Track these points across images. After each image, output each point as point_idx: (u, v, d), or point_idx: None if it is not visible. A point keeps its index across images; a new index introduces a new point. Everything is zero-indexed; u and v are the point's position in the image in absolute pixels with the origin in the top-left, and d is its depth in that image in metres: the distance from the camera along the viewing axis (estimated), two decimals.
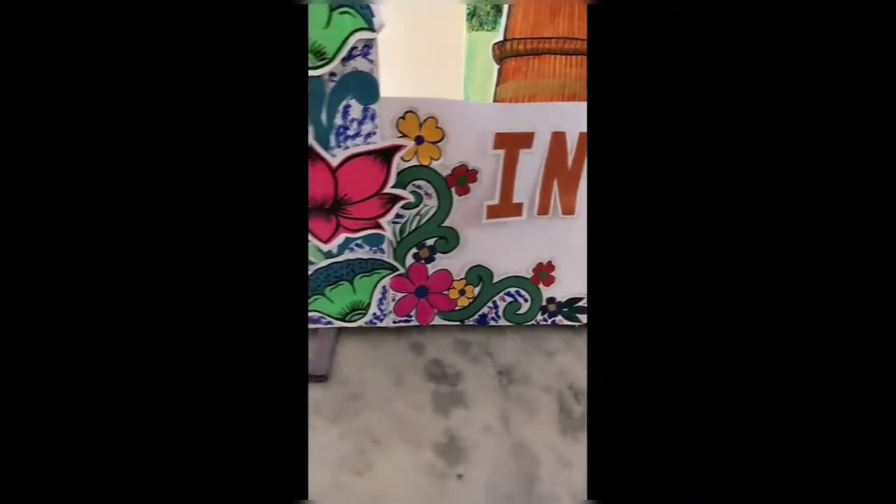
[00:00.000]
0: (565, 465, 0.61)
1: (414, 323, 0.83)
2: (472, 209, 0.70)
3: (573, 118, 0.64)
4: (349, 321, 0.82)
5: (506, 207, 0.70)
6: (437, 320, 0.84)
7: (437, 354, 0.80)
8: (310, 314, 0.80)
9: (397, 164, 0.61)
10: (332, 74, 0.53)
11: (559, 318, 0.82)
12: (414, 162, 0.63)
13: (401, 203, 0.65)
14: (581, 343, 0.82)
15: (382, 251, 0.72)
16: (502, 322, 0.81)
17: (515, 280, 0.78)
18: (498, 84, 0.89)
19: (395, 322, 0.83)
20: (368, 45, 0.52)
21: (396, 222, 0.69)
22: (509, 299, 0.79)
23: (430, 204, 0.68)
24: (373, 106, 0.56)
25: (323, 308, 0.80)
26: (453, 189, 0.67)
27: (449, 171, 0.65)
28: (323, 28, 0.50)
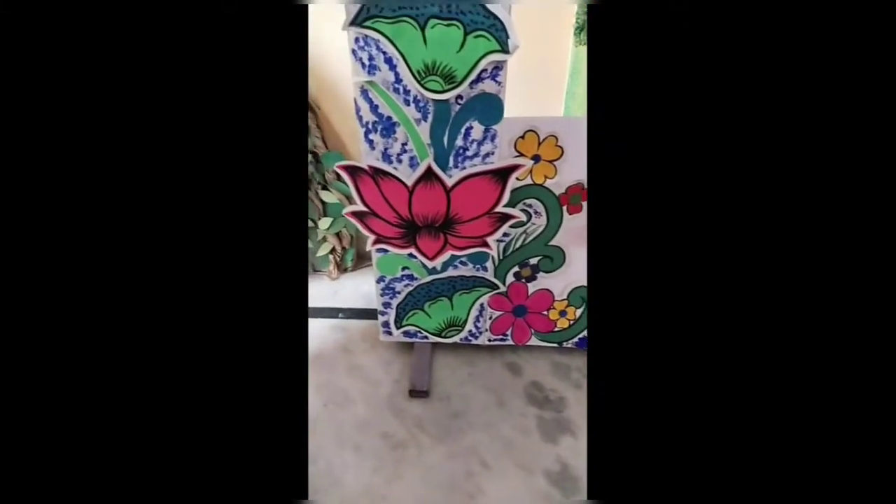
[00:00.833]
0: None
1: (509, 342, 0.82)
2: (582, 228, 0.68)
3: None
4: (445, 336, 0.82)
5: None
6: (534, 341, 0.82)
7: (536, 377, 0.77)
8: (407, 328, 0.82)
9: (512, 183, 0.61)
10: (459, 97, 0.54)
11: None
12: (528, 181, 0.62)
13: (511, 222, 0.64)
14: None
15: (485, 269, 0.71)
16: None
17: None
18: None
19: (490, 340, 0.82)
20: (498, 67, 0.52)
21: (501, 240, 0.68)
22: None
23: (539, 223, 0.67)
24: (494, 126, 0.56)
25: (420, 323, 0.81)
26: (565, 207, 0.65)
27: (563, 190, 0.63)
28: (456, 52, 0.51)
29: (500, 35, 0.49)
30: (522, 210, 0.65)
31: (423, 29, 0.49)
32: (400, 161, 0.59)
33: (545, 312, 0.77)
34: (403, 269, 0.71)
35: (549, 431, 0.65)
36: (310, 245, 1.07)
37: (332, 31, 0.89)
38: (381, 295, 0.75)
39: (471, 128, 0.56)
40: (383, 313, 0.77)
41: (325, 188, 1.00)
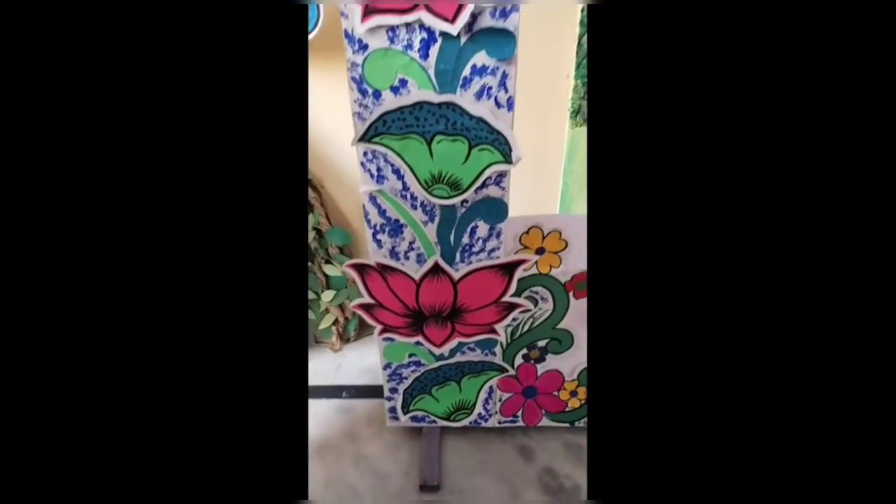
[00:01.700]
0: None
1: (520, 424, 0.81)
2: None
3: None
4: (454, 420, 0.80)
5: None
6: (545, 421, 0.80)
7: (549, 461, 0.75)
8: (414, 413, 0.80)
9: (518, 274, 0.62)
10: (465, 201, 0.55)
11: None
12: (533, 271, 0.63)
13: (518, 310, 0.65)
14: None
15: (494, 353, 0.71)
16: None
17: None
18: None
19: (500, 423, 0.80)
20: (502, 175, 0.54)
21: (509, 325, 0.68)
22: None
23: (546, 307, 0.67)
24: (499, 225, 0.58)
25: (428, 407, 0.79)
26: (571, 293, 0.66)
27: (568, 278, 0.64)
28: (461, 163, 0.53)
29: (503, 148, 0.51)
30: (529, 297, 0.65)
31: (429, 144, 0.51)
32: (407, 258, 0.60)
33: (555, 393, 0.76)
34: (410, 356, 0.70)
35: None
36: (313, 317, 1.06)
37: (334, 111, 0.91)
38: (388, 381, 0.74)
39: (476, 227, 0.58)
40: (390, 398, 0.76)
41: (328, 262, 1.01)
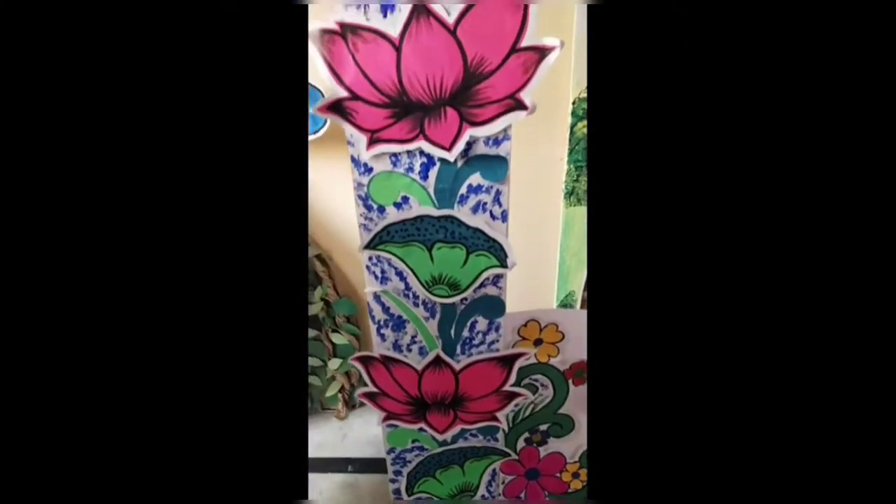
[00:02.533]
0: None
1: None
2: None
3: None
4: (458, 502, 0.80)
5: None
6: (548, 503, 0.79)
7: None
8: (418, 495, 0.80)
9: (518, 366, 0.63)
10: (464, 299, 0.58)
11: None
12: (532, 360, 0.64)
13: (518, 399, 0.66)
14: None
15: (496, 439, 0.72)
16: None
17: None
18: None
19: None
20: (499, 276, 0.57)
21: (511, 410, 0.69)
22: None
23: (546, 394, 0.68)
24: (498, 319, 0.60)
25: (432, 489, 0.78)
26: (570, 380, 0.67)
27: (567, 367, 0.65)
28: (460, 267, 0.56)
29: (499, 254, 0.54)
30: (529, 384, 0.66)
31: (430, 250, 0.54)
32: (410, 350, 0.62)
33: (558, 475, 0.75)
34: (413, 441, 0.71)
35: None
36: (319, 383, 1.08)
37: (343, 189, 0.95)
38: (392, 464, 0.74)
39: (476, 321, 0.60)
40: (394, 480, 0.76)
41: (335, 331, 1.03)
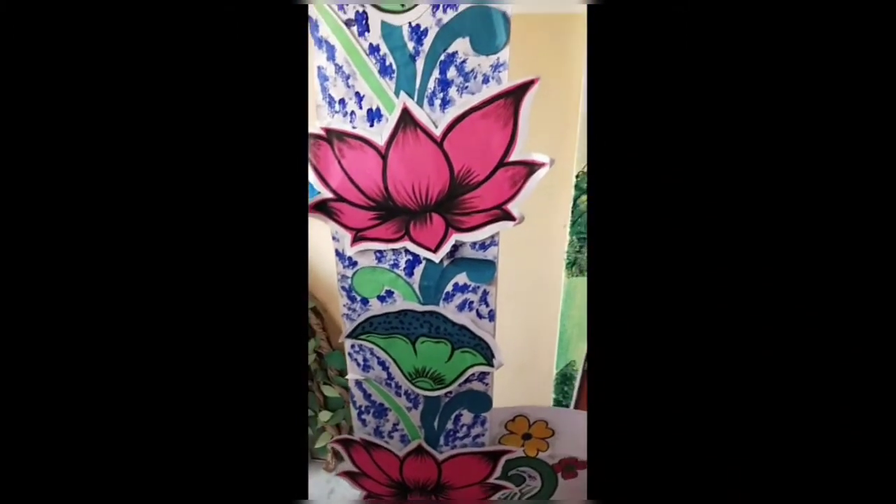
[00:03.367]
0: None
1: None
2: (579, 487, 0.66)
3: None
4: None
5: None
6: None
7: None
8: None
9: (504, 461, 0.61)
10: (449, 392, 0.56)
11: None
12: (520, 453, 0.62)
13: (504, 492, 0.63)
14: None
15: None
16: None
17: None
18: None
19: None
20: (485, 373, 0.55)
21: (497, 500, 0.66)
22: None
23: (534, 484, 0.65)
24: (484, 414, 0.58)
25: None
26: (559, 474, 0.64)
27: (556, 461, 0.62)
28: (444, 362, 0.54)
29: (485, 353, 0.52)
30: (516, 475, 0.64)
31: (413, 344, 0.53)
32: (392, 437, 0.60)
33: None
34: None
35: None
36: (309, 434, 1.06)
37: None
38: None
39: (461, 414, 0.58)
40: None
41: (327, 383, 1.02)
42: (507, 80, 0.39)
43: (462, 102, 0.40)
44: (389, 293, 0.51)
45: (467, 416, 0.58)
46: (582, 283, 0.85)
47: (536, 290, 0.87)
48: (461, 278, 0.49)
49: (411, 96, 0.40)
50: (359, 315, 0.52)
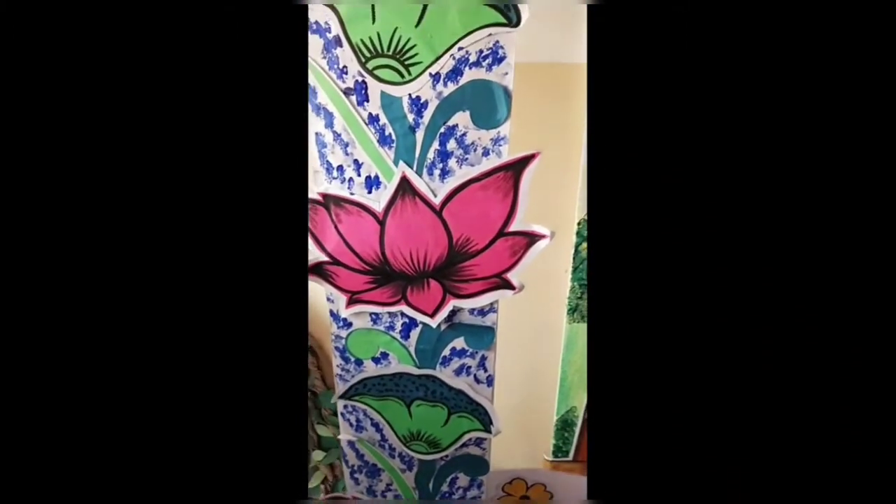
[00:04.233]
0: None
1: None
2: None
3: None
4: None
5: None
6: None
7: None
8: None
9: None
10: (445, 456, 0.54)
11: None
12: None
13: None
14: None
15: None
16: None
17: None
18: None
19: None
20: (482, 438, 0.53)
21: None
22: None
23: None
24: (481, 477, 0.56)
25: None
26: None
27: None
28: (440, 426, 0.52)
29: (482, 418, 0.50)
30: None
31: (408, 406, 0.51)
32: (385, 496, 0.58)
33: None
34: None
35: None
36: None
37: None
38: None
39: (456, 477, 0.56)
40: None
41: (320, 423, 1.00)
42: (508, 153, 0.39)
43: (462, 174, 0.39)
44: (384, 355, 0.49)
45: (463, 479, 0.56)
46: (583, 329, 0.84)
47: (538, 336, 0.85)
48: (459, 343, 0.48)
49: (410, 166, 0.39)
50: (352, 376, 0.51)
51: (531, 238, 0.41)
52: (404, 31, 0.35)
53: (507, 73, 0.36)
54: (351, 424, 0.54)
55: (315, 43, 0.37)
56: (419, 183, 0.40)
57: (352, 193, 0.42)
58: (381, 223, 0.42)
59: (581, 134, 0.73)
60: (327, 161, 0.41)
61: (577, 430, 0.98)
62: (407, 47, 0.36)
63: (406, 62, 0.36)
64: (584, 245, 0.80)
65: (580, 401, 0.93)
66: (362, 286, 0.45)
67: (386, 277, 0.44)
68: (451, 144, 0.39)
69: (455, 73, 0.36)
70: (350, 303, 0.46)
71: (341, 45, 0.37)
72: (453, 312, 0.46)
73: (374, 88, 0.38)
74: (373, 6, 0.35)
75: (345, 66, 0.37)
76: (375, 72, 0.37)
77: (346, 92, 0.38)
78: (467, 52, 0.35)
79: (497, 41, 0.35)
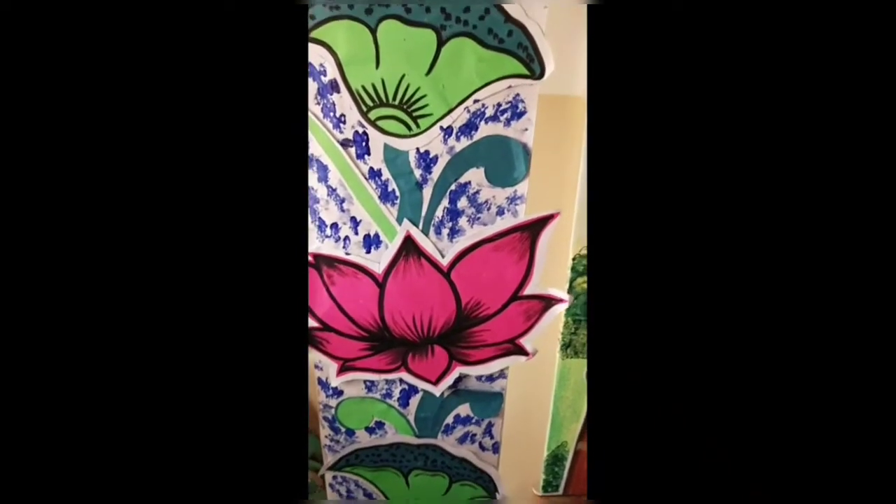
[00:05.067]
0: None
1: None
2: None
3: None
4: None
5: None
6: None
7: None
8: None
9: None
10: None
11: None
12: None
13: None
14: None
15: None
16: None
17: None
18: None
19: None
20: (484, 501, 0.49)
21: None
22: None
23: None
24: None
25: None
26: None
27: None
28: (441, 495, 0.48)
29: (487, 486, 0.46)
30: None
31: (406, 476, 0.46)
32: None
33: None
34: None
35: None
36: None
37: None
38: None
39: None
40: None
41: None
42: (525, 213, 0.35)
43: (473, 233, 0.35)
44: (380, 424, 0.45)
45: None
46: (576, 364, 0.82)
47: (530, 371, 0.83)
48: (464, 409, 0.44)
49: (416, 224, 0.36)
50: (343, 447, 0.46)
51: (547, 302, 0.37)
52: (413, 78, 0.32)
53: (526, 129, 0.33)
54: (340, 495, 0.49)
55: (308, 87, 0.33)
56: (425, 243, 0.36)
57: (347, 253, 0.37)
58: (381, 285, 0.37)
59: (576, 167, 0.71)
60: (320, 218, 0.36)
61: (568, 464, 0.97)
62: (416, 97, 0.32)
63: (414, 113, 0.33)
64: (579, 280, 0.79)
65: (571, 436, 0.92)
66: (357, 353, 0.40)
67: (385, 343, 0.40)
68: (463, 202, 0.35)
69: (469, 127, 0.33)
70: (342, 370, 0.41)
71: (339, 91, 0.32)
72: (459, 379, 0.42)
73: (377, 140, 0.33)
74: (377, 49, 0.31)
75: (342, 115, 0.33)
76: (378, 122, 0.33)
77: (344, 143, 0.34)
78: (483, 104, 0.32)
79: (517, 94, 0.32)
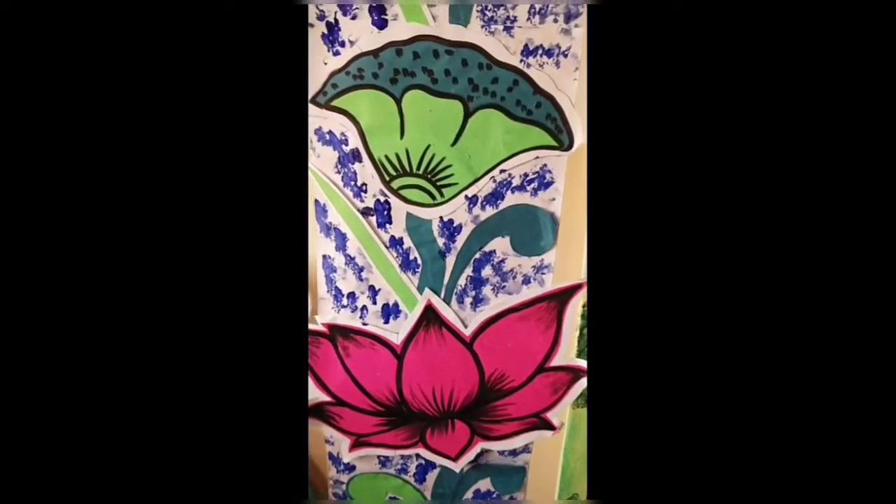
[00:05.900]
0: None
1: None
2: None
3: None
4: None
5: None
6: None
7: None
8: None
9: None
10: None
11: None
12: None
13: None
14: None
15: None
16: None
17: None
18: None
19: None
20: None
21: None
22: None
23: None
24: None
25: None
26: None
27: None
28: None
29: None
30: None
31: None
32: None
33: None
34: None
35: None
36: None
37: None
38: None
39: None
40: None
41: None
42: (552, 283, 0.34)
43: (498, 303, 0.34)
44: (393, 499, 0.42)
45: None
46: (586, 415, 0.79)
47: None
48: (484, 484, 0.41)
49: (437, 293, 0.34)
50: None
51: (576, 374, 0.36)
52: (438, 149, 0.31)
53: (554, 199, 0.32)
54: None
55: (328, 156, 0.32)
56: (447, 312, 0.34)
57: (364, 324, 0.35)
58: (400, 357, 0.35)
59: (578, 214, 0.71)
60: (336, 287, 0.35)
61: None
62: (440, 167, 0.31)
63: (438, 182, 0.32)
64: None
65: (582, 488, 0.88)
66: (372, 428, 0.38)
67: (402, 419, 0.37)
68: (487, 271, 0.34)
69: (495, 196, 0.32)
70: (355, 446, 0.39)
71: (360, 160, 0.31)
72: (480, 454, 0.39)
73: (399, 209, 0.32)
74: (401, 118, 0.31)
75: (364, 184, 0.32)
76: (401, 191, 0.32)
77: (365, 212, 0.33)
78: (510, 174, 0.31)
79: (545, 164, 0.31)
